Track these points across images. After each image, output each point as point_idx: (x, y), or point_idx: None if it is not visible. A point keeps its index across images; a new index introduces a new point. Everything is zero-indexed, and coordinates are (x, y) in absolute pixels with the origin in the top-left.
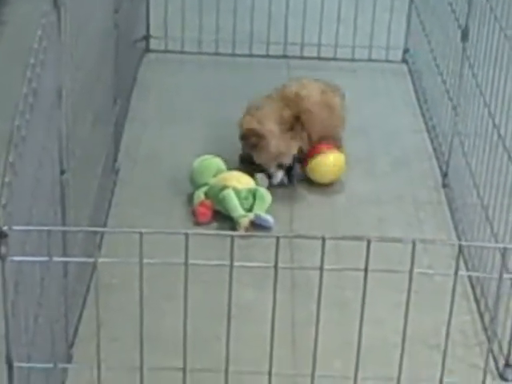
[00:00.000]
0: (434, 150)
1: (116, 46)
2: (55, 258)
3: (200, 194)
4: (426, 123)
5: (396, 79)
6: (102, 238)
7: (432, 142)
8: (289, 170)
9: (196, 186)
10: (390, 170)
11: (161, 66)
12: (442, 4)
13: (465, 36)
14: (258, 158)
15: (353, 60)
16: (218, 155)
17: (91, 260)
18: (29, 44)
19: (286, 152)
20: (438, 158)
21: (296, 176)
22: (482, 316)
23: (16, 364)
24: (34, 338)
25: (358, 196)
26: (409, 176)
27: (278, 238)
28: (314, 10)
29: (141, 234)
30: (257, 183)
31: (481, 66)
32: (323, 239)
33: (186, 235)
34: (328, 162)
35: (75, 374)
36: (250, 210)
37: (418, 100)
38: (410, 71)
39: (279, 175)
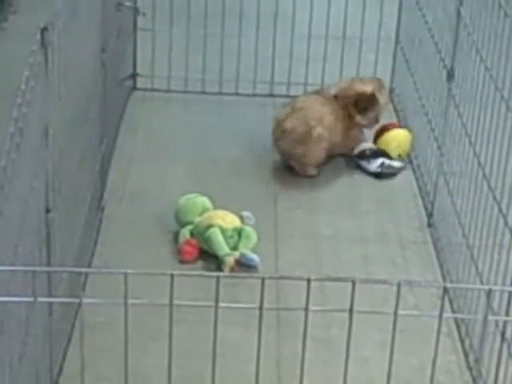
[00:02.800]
0: (420, 189)
1: (103, 85)
2: (40, 299)
3: (185, 233)
4: (411, 162)
5: (382, 118)
6: (87, 276)
7: (417, 181)
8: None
9: (181, 224)
10: (375, 209)
11: (148, 104)
12: (427, 44)
13: (450, 76)
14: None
15: None
16: (204, 193)
17: (76, 301)
18: (16, 83)
19: None
20: (423, 198)
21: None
22: (466, 356)
23: None
24: (18, 377)
25: (343, 234)
26: (394, 215)
27: (263, 279)
28: (301, 49)
29: (126, 274)
30: (243, 222)
31: (466, 106)
32: (308, 280)
33: (172, 276)
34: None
35: None
36: (235, 248)
37: None
38: (395, 110)
39: (378, 162)
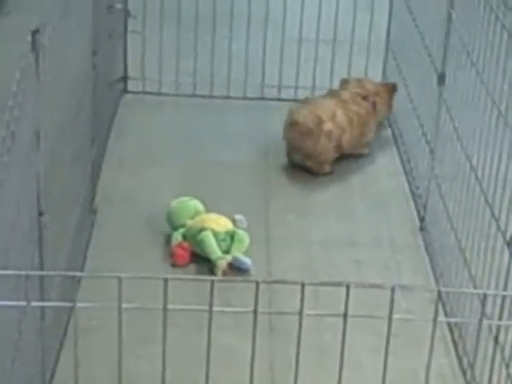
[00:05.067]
0: (412, 193)
1: (94, 87)
2: (33, 303)
3: (177, 236)
4: (403, 166)
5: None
6: (79, 280)
7: (409, 185)
8: None
9: (174, 227)
10: (368, 212)
11: (138, 106)
12: (418, 48)
13: (441, 80)
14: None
15: None
16: (196, 196)
17: (70, 305)
18: (7, 86)
19: None
20: (415, 201)
21: None
22: (460, 359)
23: None
24: (10, 382)
25: (336, 238)
26: (386, 219)
27: (257, 283)
28: (292, 53)
29: (119, 278)
30: (235, 225)
31: (457, 109)
32: (303, 285)
33: (165, 280)
34: None
35: None
36: (227, 251)
37: (396, 142)
38: None
39: None
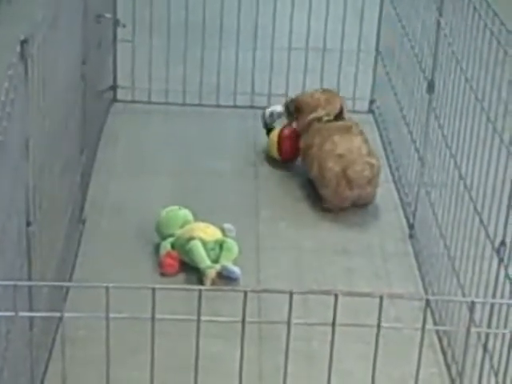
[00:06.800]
0: (401, 200)
1: (83, 97)
2: (21, 313)
3: (166, 245)
4: (392, 174)
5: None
6: (68, 290)
7: (398, 192)
8: None
9: (162, 236)
10: (357, 220)
11: (128, 116)
12: (408, 55)
13: (431, 87)
14: None
15: None
16: (186, 206)
17: (58, 315)
18: None
19: None
20: (404, 209)
21: None
22: (448, 368)
23: None
24: None
25: (326, 246)
26: (375, 227)
27: (245, 293)
28: (281, 61)
29: (107, 288)
30: (224, 234)
31: (447, 117)
32: (291, 293)
33: (153, 290)
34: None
35: None
36: (216, 261)
37: (385, 150)
38: (376, 122)
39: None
